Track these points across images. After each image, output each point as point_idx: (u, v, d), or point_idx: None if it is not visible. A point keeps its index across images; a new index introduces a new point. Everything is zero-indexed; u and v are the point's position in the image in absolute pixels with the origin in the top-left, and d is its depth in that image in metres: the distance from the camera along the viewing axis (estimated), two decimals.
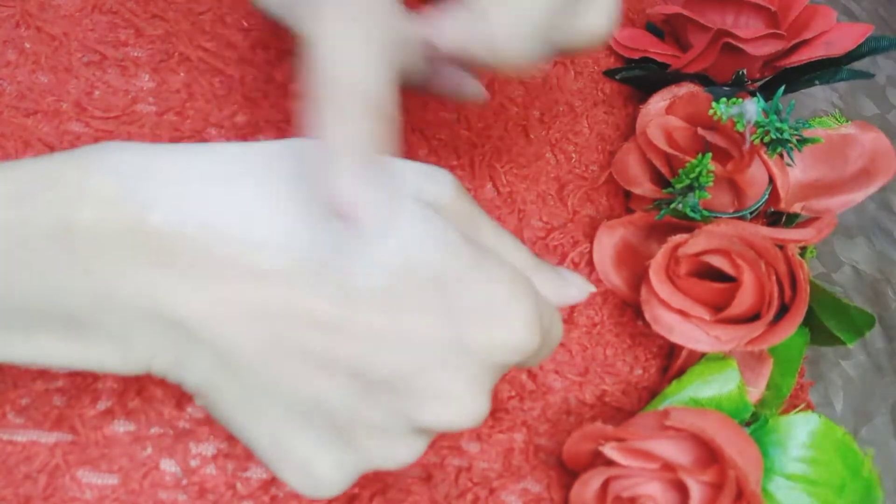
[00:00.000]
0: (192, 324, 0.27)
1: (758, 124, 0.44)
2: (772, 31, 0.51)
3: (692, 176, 0.44)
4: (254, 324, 0.27)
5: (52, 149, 0.43)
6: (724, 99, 0.45)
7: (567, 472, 0.43)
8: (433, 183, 0.30)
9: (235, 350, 0.27)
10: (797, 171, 0.48)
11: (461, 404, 0.29)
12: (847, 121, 0.48)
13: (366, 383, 0.28)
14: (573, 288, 0.36)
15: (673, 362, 0.46)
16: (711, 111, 0.44)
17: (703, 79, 0.54)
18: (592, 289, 0.37)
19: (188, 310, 0.26)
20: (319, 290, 0.27)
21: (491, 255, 0.30)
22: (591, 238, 0.50)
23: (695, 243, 0.44)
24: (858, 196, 0.46)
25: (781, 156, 0.46)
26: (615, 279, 0.49)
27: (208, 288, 0.26)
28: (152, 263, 0.26)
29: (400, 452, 0.30)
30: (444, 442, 0.42)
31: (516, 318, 0.29)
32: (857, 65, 0.53)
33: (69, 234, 0.26)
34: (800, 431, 0.40)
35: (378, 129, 0.28)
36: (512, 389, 0.44)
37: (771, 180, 0.47)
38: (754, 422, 0.42)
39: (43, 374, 0.38)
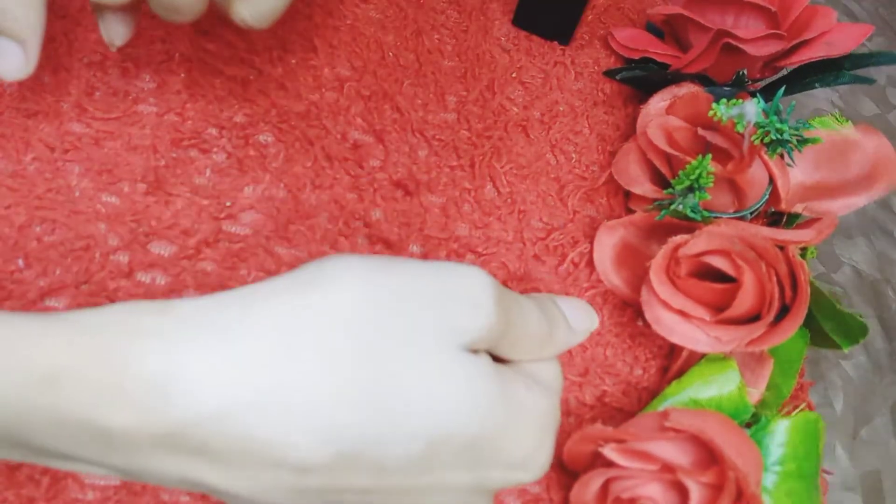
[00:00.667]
0: (229, 494, 0.28)
1: (758, 125, 0.44)
2: (772, 31, 0.51)
3: (692, 177, 0.44)
4: (292, 498, 0.28)
5: (52, 150, 0.43)
6: (724, 100, 0.45)
7: (567, 473, 0.43)
8: (474, 313, 0.30)
9: None
10: (798, 172, 0.48)
11: None
12: (847, 121, 0.48)
13: None
14: (578, 336, 0.37)
15: (673, 363, 0.46)
16: (711, 112, 0.44)
17: (703, 79, 0.54)
18: (595, 326, 0.38)
19: (227, 488, 0.28)
20: (357, 472, 0.28)
21: (523, 403, 0.31)
22: (591, 238, 0.50)
23: (695, 244, 0.44)
24: (861, 200, 0.46)
25: (782, 156, 0.46)
26: (615, 279, 0.49)
27: (249, 478, 0.27)
28: (191, 458, 0.27)
29: None
30: None
31: (539, 465, 0.32)
32: None
33: (102, 432, 0.26)
34: (783, 430, 0.41)
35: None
36: None
37: (771, 181, 0.47)
38: (755, 423, 0.42)
39: None
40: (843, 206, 0.46)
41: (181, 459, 0.27)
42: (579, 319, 0.37)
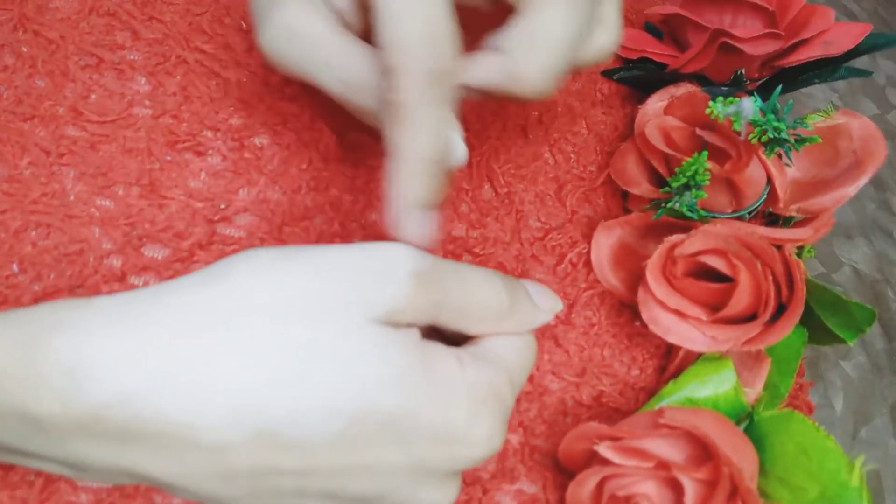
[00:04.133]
0: (167, 483, 0.29)
1: (755, 123, 0.44)
2: (770, 30, 0.51)
3: (688, 175, 0.44)
4: (225, 482, 0.29)
5: (48, 154, 0.43)
6: (720, 98, 0.44)
7: (563, 474, 0.43)
8: (386, 284, 0.31)
9: (212, 497, 0.30)
10: (792, 169, 0.48)
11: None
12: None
13: (341, 501, 0.31)
14: (543, 314, 0.37)
15: (670, 362, 0.46)
16: (708, 110, 0.44)
17: (701, 79, 0.53)
18: (559, 308, 0.39)
19: (161, 475, 0.29)
20: (280, 451, 0.28)
21: (450, 376, 0.31)
22: (589, 238, 0.50)
23: (691, 243, 0.44)
24: (851, 189, 0.46)
25: (779, 155, 0.46)
26: (613, 279, 0.48)
27: (175, 461, 0.28)
28: (118, 443, 0.28)
29: None
30: None
31: (478, 437, 0.31)
32: (856, 63, 0.52)
33: (34, 421, 0.27)
34: (786, 431, 0.40)
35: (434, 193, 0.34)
36: None
37: (769, 180, 0.47)
38: (750, 421, 0.42)
39: None
40: (835, 199, 0.46)
41: (108, 445, 0.28)
42: (544, 299, 0.38)
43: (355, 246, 0.32)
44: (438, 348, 0.32)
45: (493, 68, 0.36)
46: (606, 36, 0.40)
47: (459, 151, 0.37)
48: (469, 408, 0.31)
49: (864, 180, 0.45)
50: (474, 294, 0.34)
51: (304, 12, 0.36)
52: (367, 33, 0.40)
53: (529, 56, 0.36)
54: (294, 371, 0.28)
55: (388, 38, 0.33)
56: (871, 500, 0.37)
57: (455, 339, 0.35)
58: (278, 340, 0.28)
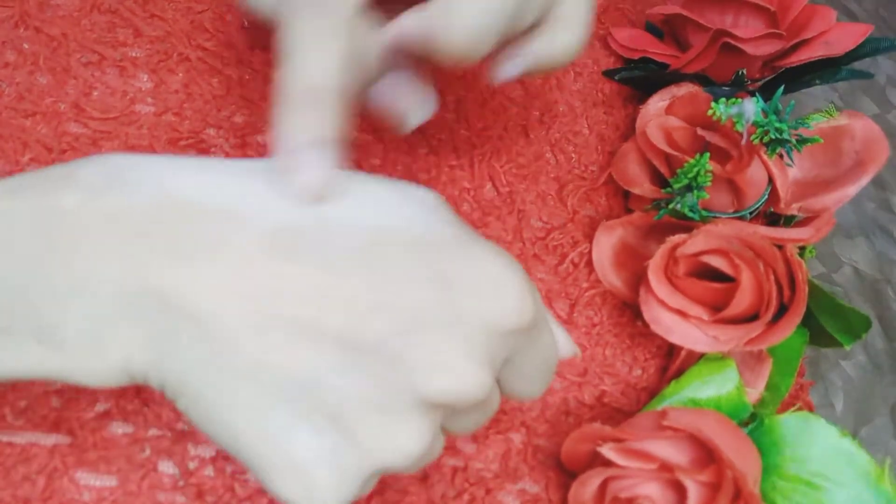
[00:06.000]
0: (172, 297, 0.26)
1: (757, 124, 0.44)
2: (771, 30, 0.51)
3: (690, 176, 0.44)
4: (236, 297, 0.26)
5: (50, 150, 0.43)
6: (722, 99, 0.45)
7: (565, 473, 0.43)
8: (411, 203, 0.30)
9: (217, 324, 0.26)
10: (794, 169, 0.48)
11: (457, 370, 0.27)
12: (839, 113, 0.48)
13: (355, 353, 0.26)
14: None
15: (672, 363, 0.46)
16: (710, 111, 0.44)
17: (702, 79, 0.53)
18: (578, 352, 0.37)
19: (168, 283, 0.26)
20: (300, 258, 0.27)
21: (480, 239, 0.30)
22: (590, 238, 0.50)
23: (693, 243, 0.44)
24: (852, 189, 0.46)
25: (781, 156, 0.46)
26: (614, 279, 0.48)
27: (189, 263, 0.26)
28: (132, 243, 0.26)
29: (400, 436, 0.27)
30: None
31: (509, 290, 0.28)
32: (857, 64, 0.53)
33: (52, 218, 0.27)
34: (802, 433, 0.40)
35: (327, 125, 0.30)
36: None
37: (770, 180, 0.47)
38: (753, 422, 0.42)
39: None
40: (836, 198, 0.46)
41: (123, 245, 0.26)
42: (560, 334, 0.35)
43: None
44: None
45: (411, 23, 0.35)
46: (570, 33, 0.39)
47: (430, 105, 0.39)
48: (497, 262, 0.29)
49: (864, 181, 0.46)
50: None
51: None
52: None
53: (450, 10, 0.34)
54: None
55: None
56: None
57: None
58: None
